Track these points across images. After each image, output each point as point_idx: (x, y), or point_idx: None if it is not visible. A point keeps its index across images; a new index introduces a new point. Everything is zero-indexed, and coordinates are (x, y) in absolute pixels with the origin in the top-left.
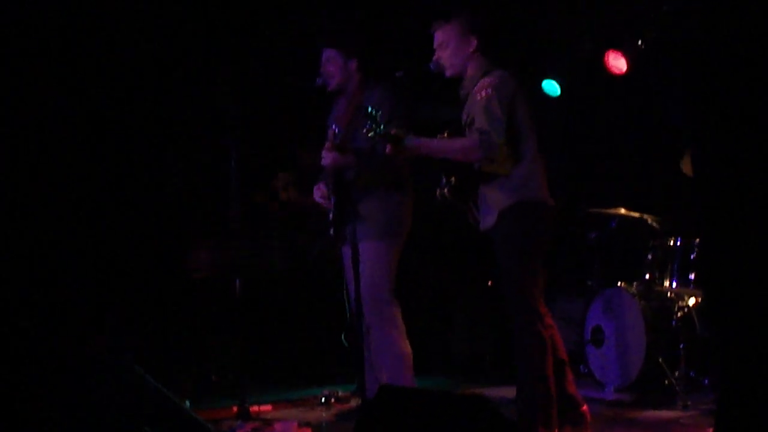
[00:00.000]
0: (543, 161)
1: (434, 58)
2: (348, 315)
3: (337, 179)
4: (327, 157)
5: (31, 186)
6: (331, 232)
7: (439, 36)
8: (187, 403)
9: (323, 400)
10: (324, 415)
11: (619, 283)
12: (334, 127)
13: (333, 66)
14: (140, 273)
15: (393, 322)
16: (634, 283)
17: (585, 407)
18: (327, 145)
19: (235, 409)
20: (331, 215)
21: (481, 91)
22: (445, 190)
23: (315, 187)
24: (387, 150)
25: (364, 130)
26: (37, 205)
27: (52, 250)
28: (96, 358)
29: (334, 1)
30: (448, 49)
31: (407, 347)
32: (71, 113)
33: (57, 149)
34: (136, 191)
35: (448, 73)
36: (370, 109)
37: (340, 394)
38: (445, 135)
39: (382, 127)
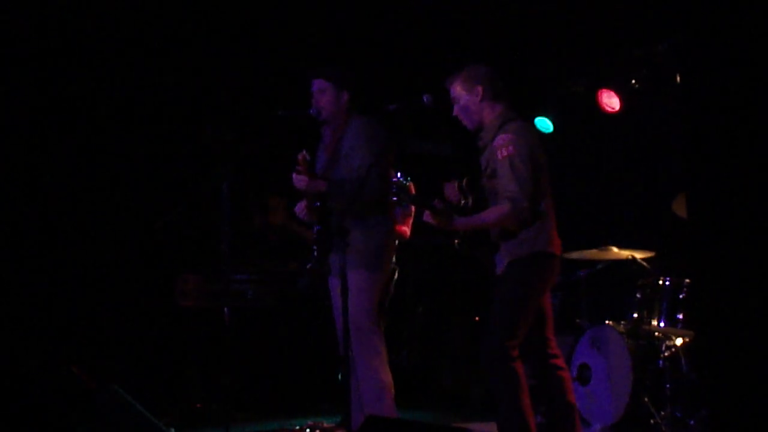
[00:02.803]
0: (554, 213)
1: (454, 112)
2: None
3: (321, 208)
4: (299, 181)
5: (19, 207)
6: (315, 263)
7: (451, 92)
8: (172, 430)
9: (308, 430)
10: None
11: (606, 322)
12: (304, 152)
13: (326, 97)
14: (129, 299)
15: (375, 351)
16: (622, 322)
17: None
18: (297, 168)
19: None
20: (315, 246)
21: (501, 149)
22: (462, 238)
23: (297, 205)
24: (429, 218)
25: (394, 199)
26: (25, 228)
27: (39, 276)
28: (82, 384)
29: (326, 32)
30: (460, 104)
31: (388, 377)
32: (66, 140)
33: (49, 172)
34: (125, 219)
35: (469, 127)
36: (402, 179)
37: (325, 425)
38: (464, 183)
39: (410, 194)
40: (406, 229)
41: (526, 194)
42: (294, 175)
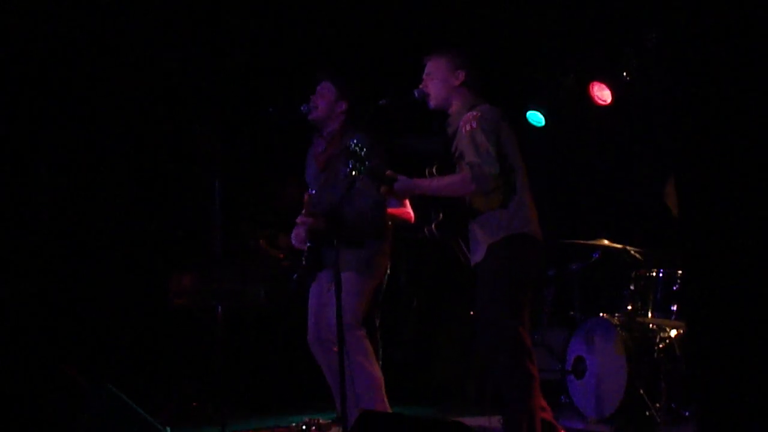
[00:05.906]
0: (531, 194)
1: (420, 86)
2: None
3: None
4: (303, 224)
5: (12, 208)
6: (304, 262)
7: (429, 66)
8: (168, 429)
9: (304, 427)
10: None
11: (600, 314)
12: (311, 191)
13: (323, 99)
14: (122, 298)
15: (360, 347)
16: (616, 314)
17: None
18: (304, 212)
19: None
20: (304, 257)
21: (465, 125)
22: (433, 226)
23: (293, 233)
24: (381, 190)
25: (348, 168)
26: (17, 228)
27: (31, 275)
28: (76, 383)
29: (314, 30)
30: (435, 79)
31: (376, 370)
32: (57, 141)
33: (40, 173)
34: (118, 218)
35: (432, 103)
36: (353, 146)
37: (321, 421)
38: (434, 169)
39: (366, 163)
40: (408, 211)
41: (488, 163)
42: (294, 233)
